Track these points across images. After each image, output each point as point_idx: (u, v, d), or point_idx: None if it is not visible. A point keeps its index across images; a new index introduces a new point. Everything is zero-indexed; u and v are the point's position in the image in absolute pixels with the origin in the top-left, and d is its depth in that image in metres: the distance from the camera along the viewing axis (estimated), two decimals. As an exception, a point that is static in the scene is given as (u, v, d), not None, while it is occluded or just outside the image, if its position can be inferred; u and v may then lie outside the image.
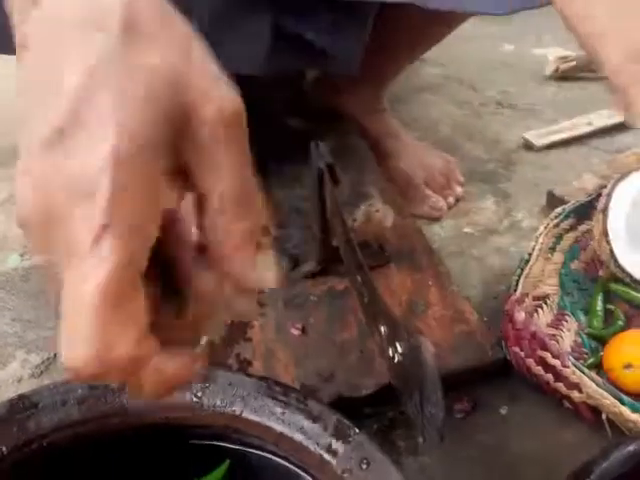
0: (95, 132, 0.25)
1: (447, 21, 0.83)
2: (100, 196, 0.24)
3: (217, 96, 0.27)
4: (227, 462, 0.45)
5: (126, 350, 0.25)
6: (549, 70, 1.27)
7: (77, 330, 0.25)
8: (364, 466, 0.40)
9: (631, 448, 0.42)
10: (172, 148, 0.26)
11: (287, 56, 0.72)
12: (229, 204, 0.27)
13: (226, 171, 0.27)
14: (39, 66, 0.27)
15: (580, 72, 1.27)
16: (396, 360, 0.45)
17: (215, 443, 0.47)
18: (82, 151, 0.25)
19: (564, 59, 1.26)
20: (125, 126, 0.25)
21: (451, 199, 0.91)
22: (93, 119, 0.25)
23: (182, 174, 0.27)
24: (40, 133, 0.26)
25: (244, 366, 0.60)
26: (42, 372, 0.65)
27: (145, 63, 0.26)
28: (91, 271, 0.24)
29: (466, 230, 0.87)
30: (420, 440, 0.41)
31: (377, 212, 0.71)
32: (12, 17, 0.30)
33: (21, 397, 0.45)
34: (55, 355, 0.67)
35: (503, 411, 0.61)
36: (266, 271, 0.29)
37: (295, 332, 0.64)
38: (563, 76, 1.26)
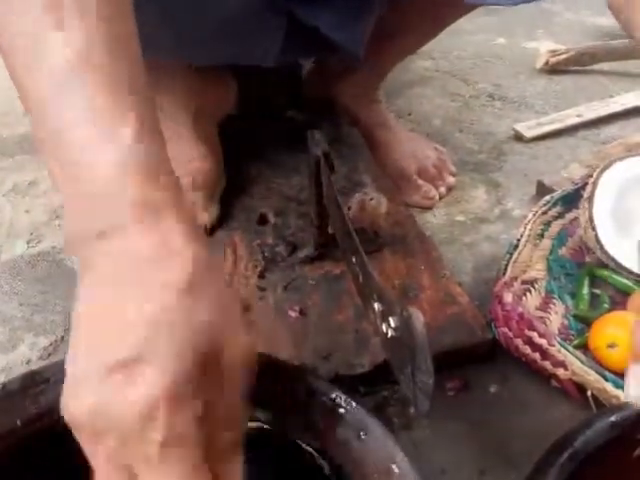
0: (155, 369, 0.31)
1: (455, 8, 0.83)
2: (161, 416, 0.30)
3: (240, 344, 0.34)
4: None
5: None
6: (540, 63, 1.29)
7: None
8: (362, 436, 0.42)
9: (612, 418, 0.44)
10: (202, 385, 0.32)
11: (298, 46, 0.73)
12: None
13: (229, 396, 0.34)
14: (104, 297, 0.33)
15: (570, 65, 1.29)
16: (389, 335, 0.48)
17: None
18: (143, 382, 0.31)
19: (555, 52, 1.29)
20: (175, 367, 0.31)
21: (443, 189, 0.93)
22: (155, 359, 0.31)
23: None
24: (104, 361, 0.31)
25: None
26: (50, 354, 0.67)
27: (198, 320, 0.32)
28: (168, 467, 0.31)
29: (458, 218, 0.89)
30: (412, 410, 0.43)
31: (371, 200, 0.73)
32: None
33: (33, 373, 0.47)
34: (62, 337, 0.69)
35: (493, 389, 0.64)
36: None
37: (293, 314, 0.67)
38: (553, 69, 1.29)
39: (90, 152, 0.34)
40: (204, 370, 0.32)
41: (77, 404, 0.32)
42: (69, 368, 0.33)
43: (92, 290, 0.34)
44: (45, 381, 0.47)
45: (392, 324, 0.44)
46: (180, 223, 0.34)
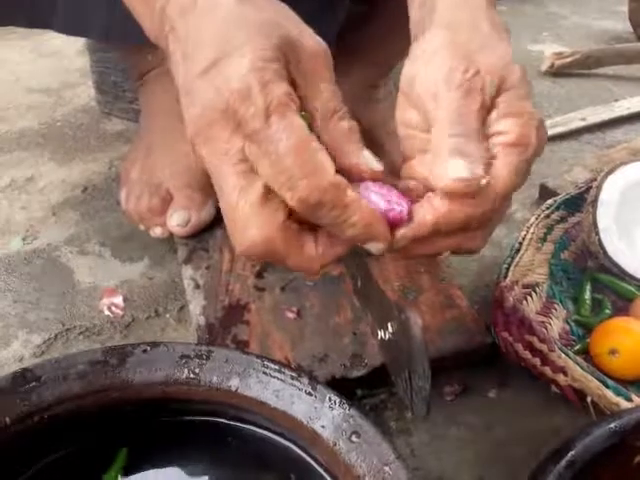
0: (234, 57, 0.36)
1: None
2: (255, 87, 0.35)
3: (313, 40, 0.39)
4: (124, 450, 0.46)
5: (328, 177, 0.36)
6: (545, 66, 1.29)
7: (288, 174, 0.35)
8: (355, 438, 0.42)
9: (612, 425, 0.44)
10: (285, 70, 0.37)
11: None
12: (332, 112, 0.38)
13: (324, 92, 0.38)
14: (184, 33, 0.39)
15: (575, 68, 1.28)
16: (387, 341, 0.47)
17: (211, 419, 0.49)
18: (232, 67, 0.36)
19: (560, 55, 1.28)
20: (256, 50, 0.36)
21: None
22: (233, 49, 0.36)
23: None
24: (198, 66, 0.37)
25: (240, 347, 0.62)
26: (43, 352, 0.66)
27: (260, 17, 0.38)
28: (277, 134, 0.35)
29: (460, 221, 0.88)
30: (409, 414, 0.42)
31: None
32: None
33: (24, 370, 0.46)
34: (56, 335, 0.68)
35: (492, 394, 0.63)
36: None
37: (291, 315, 0.66)
38: (558, 72, 1.28)
39: None
40: (283, 55, 0.37)
41: (188, 116, 0.38)
42: (180, 92, 0.39)
43: (178, 40, 0.40)
44: (36, 379, 0.47)
45: (390, 329, 0.43)
46: None
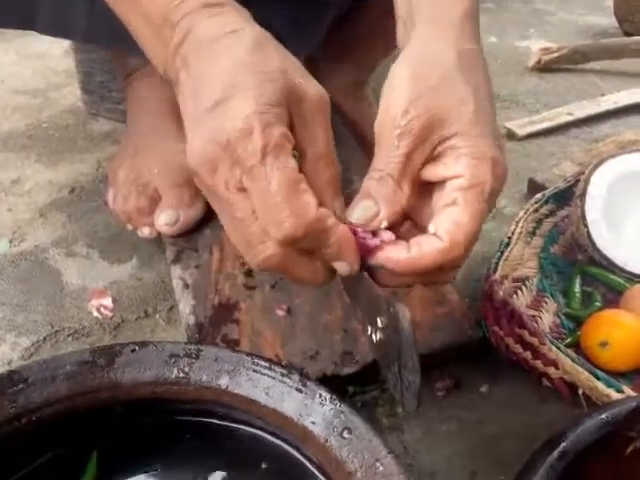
0: (241, 99, 0.39)
1: None
2: (256, 128, 0.38)
3: (315, 88, 0.42)
4: (94, 454, 0.46)
5: (312, 213, 0.39)
6: (532, 62, 1.29)
7: (277, 210, 0.39)
8: (346, 434, 0.42)
9: (604, 416, 0.44)
10: (287, 113, 0.40)
11: None
12: (320, 158, 0.42)
13: (317, 138, 0.42)
14: (197, 72, 0.42)
15: (562, 64, 1.29)
16: (377, 337, 0.47)
17: (202, 419, 0.48)
18: (238, 108, 0.39)
19: (547, 51, 1.28)
20: (261, 94, 0.39)
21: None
22: (240, 91, 0.39)
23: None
24: (206, 102, 0.40)
25: (231, 346, 0.61)
26: (32, 354, 0.66)
27: (268, 66, 0.41)
28: (270, 173, 0.39)
29: (449, 217, 0.88)
30: (401, 410, 0.42)
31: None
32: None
33: (11, 372, 0.46)
34: (44, 338, 0.68)
35: (483, 389, 0.63)
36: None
37: (281, 313, 0.66)
38: (545, 67, 1.28)
39: None
40: (285, 101, 0.40)
41: (193, 146, 0.41)
42: (186, 121, 0.43)
43: (189, 75, 0.43)
44: (23, 380, 0.46)
45: (380, 324, 0.43)
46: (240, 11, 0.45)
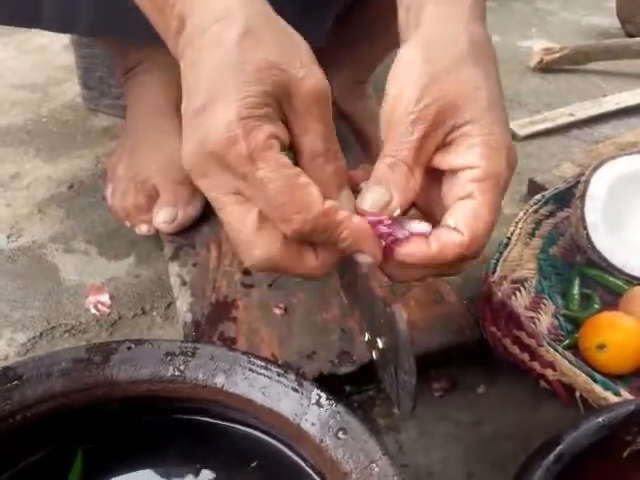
0: (223, 104, 0.37)
1: None
2: (239, 135, 0.37)
3: (312, 79, 0.39)
4: (80, 453, 0.46)
5: (317, 208, 0.38)
6: (534, 62, 1.29)
7: (283, 210, 0.38)
8: (342, 435, 0.41)
9: (600, 419, 0.43)
10: (279, 111, 0.39)
11: None
12: (319, 151, 0.40)
13: (312, 132, 0.40)
14: (190, 65, 0.41)
15: (564, 64, 1.29)
16: (374, 333, 0.47)
17: (198, 418, 0.48)
18: (220, 114, 0.37)
19: (549, 51, 1.28)
20: (244, 98, 0.37)
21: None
22: (223, 96, 0.38)
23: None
24: (194, 104, 0.39)
25: (228, 345, 0.61)
26: (28, 350, 0.66)
27: (254, 61, 0.38)
28: (265, 176, 0.37)
29: (448, 217, 0.88)
30: (395, 410, 0.42)
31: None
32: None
33: (6, 369, 0.46)
34: (41, 334, 0.68)
35: (480, 390, 0.63)
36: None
37: (278, 312, 0.65)
38: (547, 68, 1.28)
39: None
40: (274, 98, 0.38)
41: (184, 150, 0.40)
42: (182, 118, 0.41)
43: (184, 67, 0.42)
44: (18, 377, 0.46)
45: (380, 345, 0.43)
46: None
